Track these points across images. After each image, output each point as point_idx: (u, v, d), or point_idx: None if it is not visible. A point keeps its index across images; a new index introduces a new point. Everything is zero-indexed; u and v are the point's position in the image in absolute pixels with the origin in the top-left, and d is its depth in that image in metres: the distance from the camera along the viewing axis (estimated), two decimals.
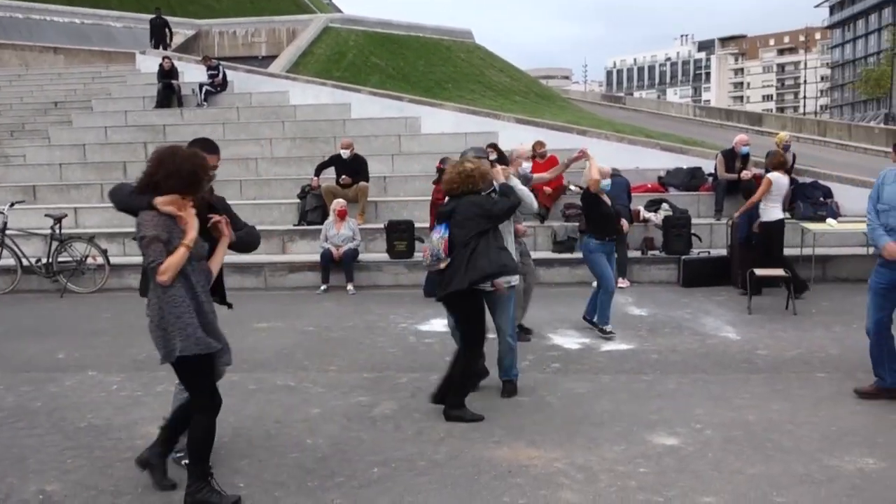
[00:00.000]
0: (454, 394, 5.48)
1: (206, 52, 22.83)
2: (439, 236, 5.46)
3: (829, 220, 10.66)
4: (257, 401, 5.95)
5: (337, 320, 8.87)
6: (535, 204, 6.20)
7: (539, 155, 11.78)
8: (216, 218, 4.09)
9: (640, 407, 5.61)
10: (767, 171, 9.52)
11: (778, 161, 9.52)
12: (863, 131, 29.77)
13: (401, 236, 11.04)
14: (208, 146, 4.43)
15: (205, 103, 17.59)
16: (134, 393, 6.22)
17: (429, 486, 4.34)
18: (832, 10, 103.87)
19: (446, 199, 5.71)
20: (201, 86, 17.62)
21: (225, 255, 4.21)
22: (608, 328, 7.72)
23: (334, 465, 4.68)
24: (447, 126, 15.59)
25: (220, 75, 17.97)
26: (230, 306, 4.56)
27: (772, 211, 9.36)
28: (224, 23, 26.30)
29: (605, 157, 13.75)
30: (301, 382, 6.43)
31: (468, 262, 5.29)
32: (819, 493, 4.17)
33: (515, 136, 14.30)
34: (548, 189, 11.66)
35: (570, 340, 7.66)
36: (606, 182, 7.90)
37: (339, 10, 39.67)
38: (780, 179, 9.31)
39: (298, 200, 12.73)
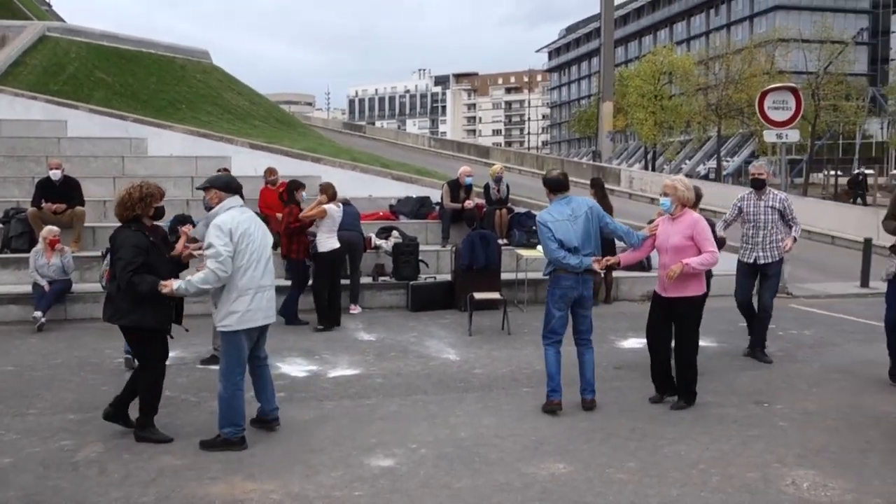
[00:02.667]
0: (142, 414, 5.54)
1: None
2: (105, 264, 5.51)
3: (539, 247, 11.66)
4: None
5: (44, 358, 8.08)
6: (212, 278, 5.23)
7: (270, 182, 11.69)
8: None
9: (361, 431, 5.75)
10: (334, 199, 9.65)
11: (332, 192, 9.68)
12: (573, 166, 33.16)
13: None
14: None
15: None
16: None
17: None
18: (550, 55, 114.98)
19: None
20: None
21: None
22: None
23: None
24: (176, 148, 14.95)
25: None
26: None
27: (327, 241, 9.58)
28: None
29: (340, 185, 14.03)
30: None
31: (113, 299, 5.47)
32: (516, 499, 4.54)
33: (249, 162, 14.13)
34: (280, 215, 11.56)
35: (297, 368, 7.65)
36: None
37: (62, 20, 36.46)
38: (334, 211, 9.60)
39: (1, 225, 11.45)
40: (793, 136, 13.00)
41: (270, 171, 11.79)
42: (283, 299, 9.54)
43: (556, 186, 6.29)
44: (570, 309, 6.31)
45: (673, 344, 6.51)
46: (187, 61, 25.41)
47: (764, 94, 13.00)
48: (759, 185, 8.10)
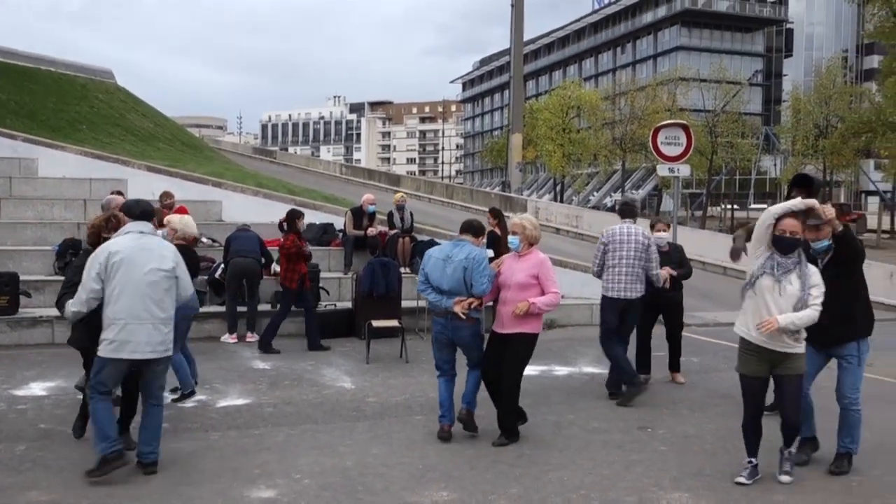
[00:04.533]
0: None
1: None
2: None
3: None
4: None
5: None
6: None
7: (166, 206, 11.38)
8: None
9: (245, 462, 5.61)
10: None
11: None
12: (482, 195, 33.68)
13: (1, 290, 9.85)
14: None
15: None
16: None
17: None
18: (464, 86, 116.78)
19: None
20: None
21: None
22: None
23: None
24: (70, 170, 14.43)
25: None
26: None
27: None
28: None
29: (243, 210, 13.88)
30: None
31: None
32: None
33: (147, 185, 13.75)
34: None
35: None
36: None
37: None
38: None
39: None
40: (684, 170, 13.57)
41: (167, 195, 11.50)
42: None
43: (463, 227, 6.36)
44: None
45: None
46: (89, 80, 24.69)
47: (657, 130, 13.55)
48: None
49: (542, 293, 6.12)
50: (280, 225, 10.68)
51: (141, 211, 5.46)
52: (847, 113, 46.09)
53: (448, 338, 6.19)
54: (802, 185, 6.84)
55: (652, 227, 8.60)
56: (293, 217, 10.11)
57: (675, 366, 8.65)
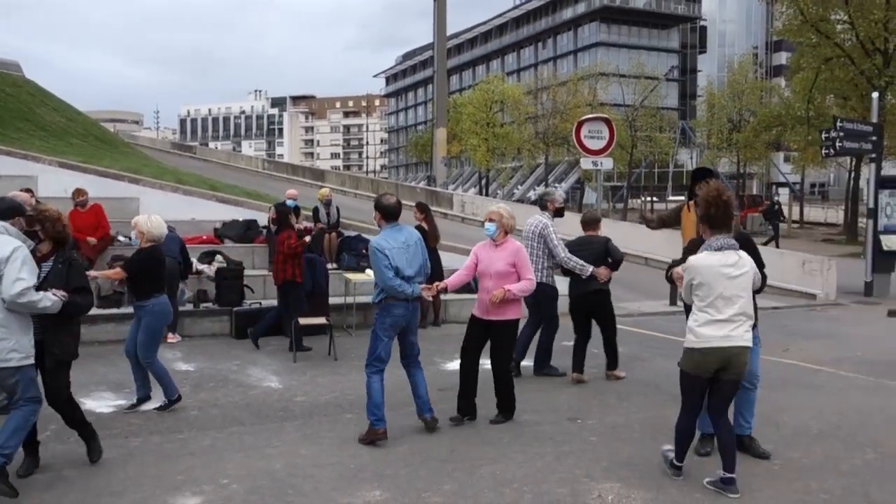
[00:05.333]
0: None
1: None
2: None
3: (368, 271, 11.61)
4: None
5: None
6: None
7: (79, 203, 10.94)
8: None
9: (169, 468, 5.41)
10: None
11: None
12: (407, 190, 33.61)
13: None
14: None
15: None
16: None
17: None
18: (388, 81, 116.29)
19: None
20: None
21: None
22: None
23: None
24: None
25: None
26: None
27: None
28: None
29: (162, 207, 13.39)
30: None
31: None
32: None
33: (59, 182, 13.20)
34: (92, 240, 10.84)
35: (103, 403, 7.13)
36: None
37: None
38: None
39: None
40: (607, 163, 13.80)
41: (79, 193, 11.03)
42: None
43: (391, 213, 6.19)
44: (398, 335, 6.28)
45: (489, 365, 6.65)
46: None
47: (580, 124, 13.73)
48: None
49: (518, 279, 6.45)
50: (268, 223, 10.56)
51: None
52: (758, 107, 47.81)
53: (407, 321, 6.21)
54: (705, 177, 7.13)
55: (585, 225, 8.65)
56: (285, 213, 10.02)
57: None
